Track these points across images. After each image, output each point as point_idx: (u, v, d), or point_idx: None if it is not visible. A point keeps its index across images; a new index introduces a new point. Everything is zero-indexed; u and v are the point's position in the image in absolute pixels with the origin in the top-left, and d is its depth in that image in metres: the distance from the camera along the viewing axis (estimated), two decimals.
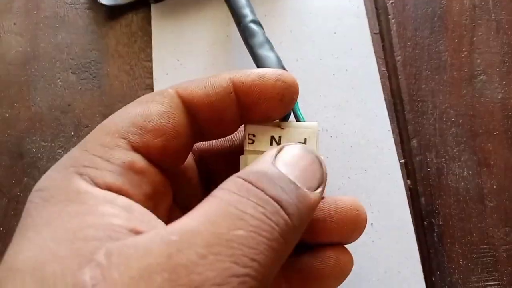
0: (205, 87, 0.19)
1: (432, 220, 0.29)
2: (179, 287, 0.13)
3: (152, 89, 0.30)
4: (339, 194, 0.27)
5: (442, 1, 0.33)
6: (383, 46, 0.32)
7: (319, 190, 0.18)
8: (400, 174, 0.29)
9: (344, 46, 0.32)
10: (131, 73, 0.30)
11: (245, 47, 0.28)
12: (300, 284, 0.21)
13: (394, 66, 0.32)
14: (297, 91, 0.21)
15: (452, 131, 0.30)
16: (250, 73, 0.20)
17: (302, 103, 0.28)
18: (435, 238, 0.29)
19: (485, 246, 0.29)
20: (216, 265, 0.13)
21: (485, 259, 0.29)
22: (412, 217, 0.29)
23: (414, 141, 0.30)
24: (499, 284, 0.28)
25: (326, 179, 0.18)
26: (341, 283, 0.22)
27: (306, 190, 0.17)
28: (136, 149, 0.17)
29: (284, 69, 0.26)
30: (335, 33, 0.32)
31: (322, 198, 0.20)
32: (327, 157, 0.29)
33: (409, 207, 0.29)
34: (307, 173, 0.18)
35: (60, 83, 0.29)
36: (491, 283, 0.28)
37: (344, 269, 0.22)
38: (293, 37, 0.32)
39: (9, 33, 0.30)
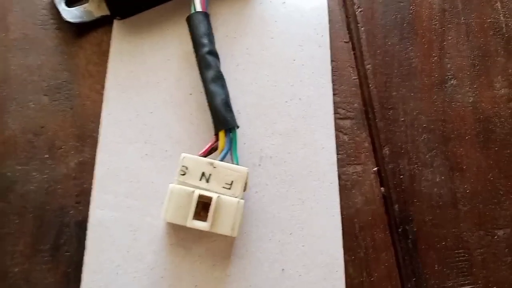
0: None
1: (406, 227, 0.30)
2: None
3: None
4: (273, 225, 0.30)
5: (411, 7, 0.34)
6: (354, 54, 0.34)
7: None
8: (339, 210, 0.30)
9: (301, 75, 0.33)
10: (103, 92, 0.31)
11: None
12: None
13: (365, 74, 0.33)
14: None
15: (424, 137, 0.32)
16: None
17: (250, 127, 0.31)
18: (410, 245, 0.30)
19: (460, 251, 0.30)
20: None
21: (460, 263, 0.30)
22: (387, 225, 0.30)
23: (386, 149, 0.32)
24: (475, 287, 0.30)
25: None
26: None
27: None
28: None
29: (230, 108, 0.29)
30: (294, 60, 0.33)
31: None
32: (267, 184, 0.30)
33: (384, 214, 0.31)
34: None
35: (32, 105, 0.31)
36: (466, 287, 0.30)
37: None
38: (251, 60, 0.33)
39: None
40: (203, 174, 0.28)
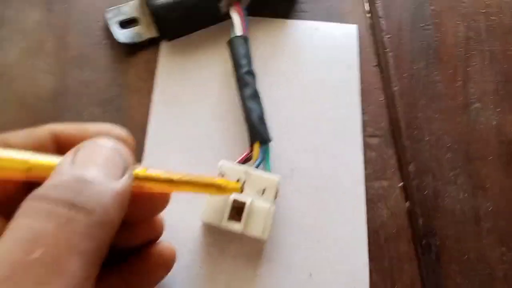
0: (24, 137, 0.21)
1: (430, 240, 0.32)
2: None
3: None
4: (302, 233, 0.32)
5: (436, 34, 0.37)
6: (382, 77, 0.36)
7: (125, 176, 0.19)
8: (365, 222, 0.32)
9: (331, 95, 0.36)
10: (150, 106, 0.35)
11: None
12: (133, 280, 0.25)
13: (392, 96, 0.36)
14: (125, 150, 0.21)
15: (448, 156, 0.34)
16: (75, 127, 0.22)
17: (282, 141, 0.34)
18: (433, 257, 0.32)
19: (482, 265, 0.32)
20: None
21: (482, 277, 0.32)
22: (411, 238, 0.32)
23: (411, 166, 0.34)
24: None
25: (131, 163, 0.20)
26: (167, 274, 0.27)
27: (107, 182, 0.18)
28: None
29: (265, 123, 0.32)
30: (325, 81, 0.36)
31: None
32: (297, 195, 0.33)
33: (409, 228, 0.33)
34: (107, 166, 0.19)
35: (86, 116, 0.35)
36: None
37: (167, 261, 0.27)
38: (284, 80, 0.36)
39: (41, 72, 0.36)
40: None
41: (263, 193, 0.30)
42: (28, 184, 0.19)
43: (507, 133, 0.35)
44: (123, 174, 0.19)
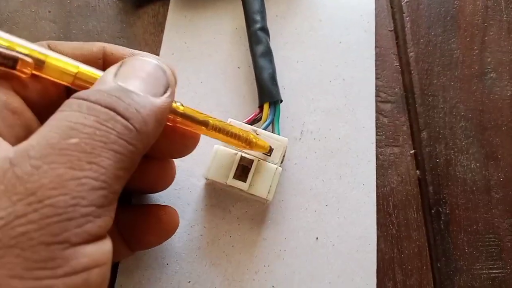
0: (74, 48, 0.22)
1: (439, 208, 0.32)
2: (15, 195, 0.14)
3: None
4: (310, 196, 0.31)
5: (455, 2, 0.36)
6: (397, 43, 0.35)
7: (166, 94, 0.19)
8: (374, 187, 0.32)
9: (346, 57, 0.34)
10: None
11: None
12: (131, 238, 0.25)
13: (407, 61, 0.35)
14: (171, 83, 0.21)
15: (461, 125, 0.33)
16: (124, 48, 0.23)
17: (293, 102, 0.33)
18: (442, 226, 0.31)
19: (490, 236, 0.31)
20: (50, 173, 0.15)
21: (490, 248, 0.31)
22: (420, 205, 0.32)
23: (424, 133, 0.33)
24: (503, 272, 0.31)
25: (173, 84, 0.20)
26: (163, 240, 0.26)
27: (148, 96, 0.18)
28: (15, 89, 0.19)
29: (276, 82, 0.31)
30: (340, 42, 0.35)
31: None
32: (306, 157, 0.32)
33: (418, 195, 0.32)
34: (148, 81, 0.19)
35: None
36: (495, 271, 0.31)
37: (168, 227, 0.26)
38: (298, 40, 0.35)
39: (44, 20, 0.34)
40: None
41: (270, 154, 0.29)
42: (69, 94, 0.19)
43: None
44: (164, 92, 0.19)
